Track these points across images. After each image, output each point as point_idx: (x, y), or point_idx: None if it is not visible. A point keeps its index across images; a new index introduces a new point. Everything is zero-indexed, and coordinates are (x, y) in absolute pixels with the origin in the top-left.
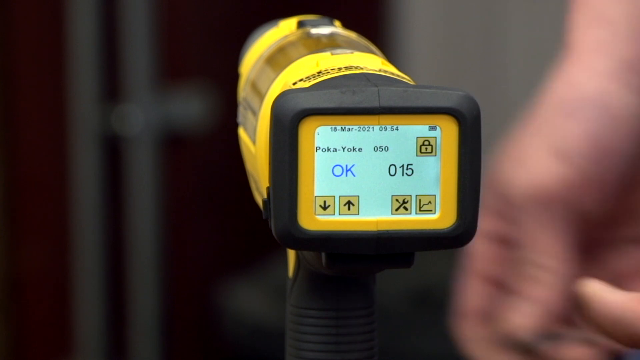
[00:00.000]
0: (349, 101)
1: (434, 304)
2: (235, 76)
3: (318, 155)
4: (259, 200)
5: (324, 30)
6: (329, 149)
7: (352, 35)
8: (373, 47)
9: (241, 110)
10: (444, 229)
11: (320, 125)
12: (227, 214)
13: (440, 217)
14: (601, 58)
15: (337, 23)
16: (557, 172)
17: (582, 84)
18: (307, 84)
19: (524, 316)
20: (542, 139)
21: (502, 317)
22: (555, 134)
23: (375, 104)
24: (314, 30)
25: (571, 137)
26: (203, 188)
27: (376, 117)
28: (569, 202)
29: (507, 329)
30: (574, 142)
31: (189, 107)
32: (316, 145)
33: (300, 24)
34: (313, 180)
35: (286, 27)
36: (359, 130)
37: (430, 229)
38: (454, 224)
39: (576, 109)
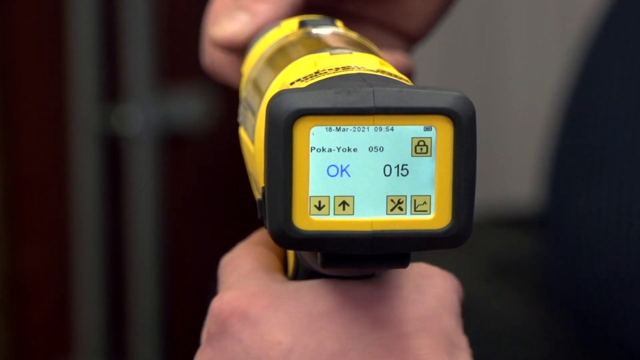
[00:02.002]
0: (344, 101)
1: None
2: None
3: (313, 155)
4: None
5: (325, 30)
6: (323, 149)
7: (352, 35)
8: (374, 47)
9: (242, 110)
10: (438, 229)
11: (315, 126)
12: (227, 214)
13: (435, 217)
14: None
15: (338, 23)
16: None
17: None
18: (304, 84)
19: (237, 24)
20: None
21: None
22: None
23: (370, 104)
24: (315, 30)
25: None
26: (203, 188)
27: (371, 117)
28: None
29: (218, 34)
30: None
31: (189, 107)
32: (311, 145)
33: (302, 24)
34: (308, 181)
35: (288, 27)
36: (354, 131)
37: (425, 229)
38: (448, 224)
39: None
